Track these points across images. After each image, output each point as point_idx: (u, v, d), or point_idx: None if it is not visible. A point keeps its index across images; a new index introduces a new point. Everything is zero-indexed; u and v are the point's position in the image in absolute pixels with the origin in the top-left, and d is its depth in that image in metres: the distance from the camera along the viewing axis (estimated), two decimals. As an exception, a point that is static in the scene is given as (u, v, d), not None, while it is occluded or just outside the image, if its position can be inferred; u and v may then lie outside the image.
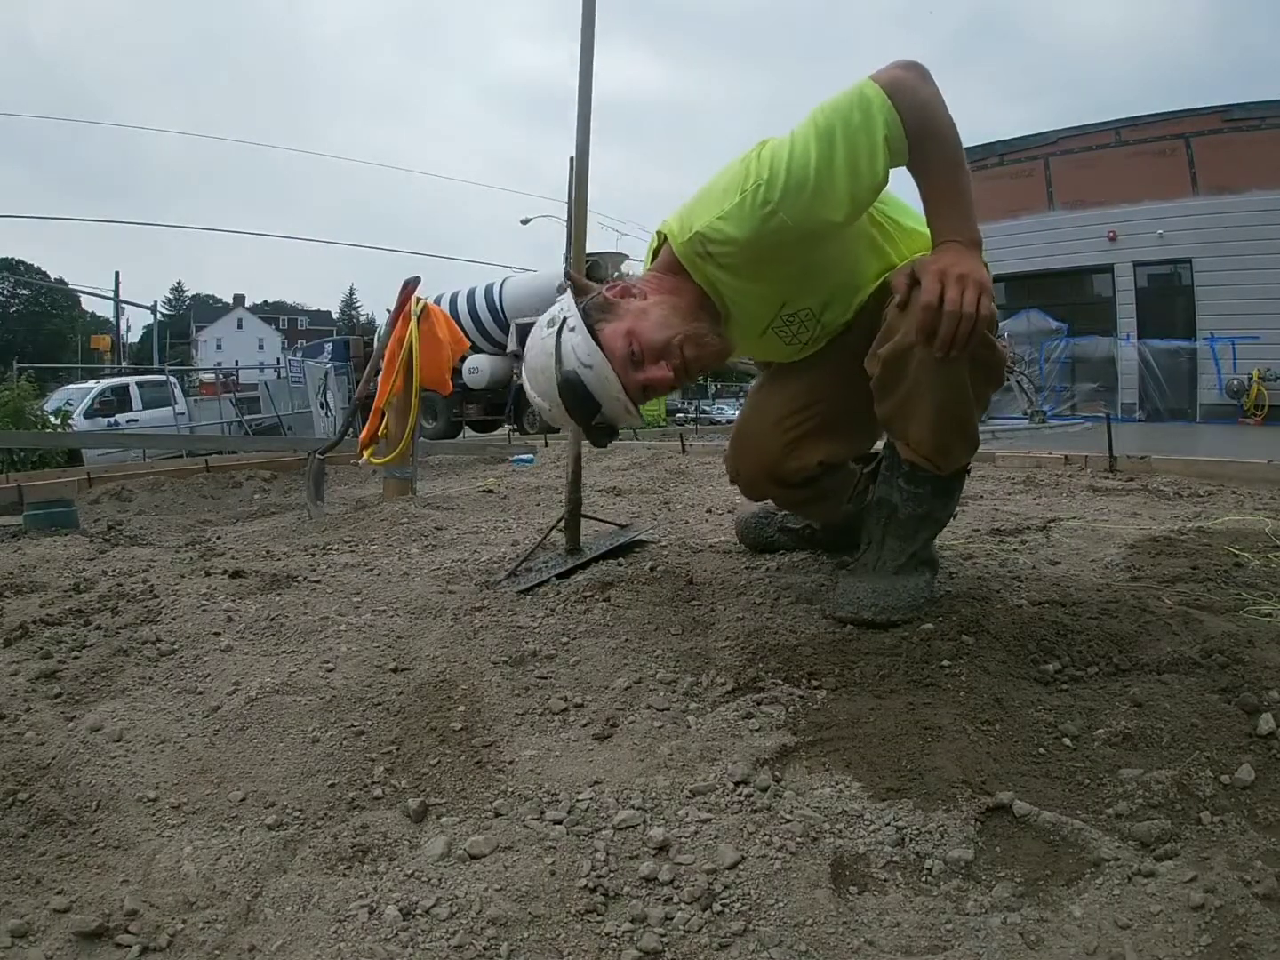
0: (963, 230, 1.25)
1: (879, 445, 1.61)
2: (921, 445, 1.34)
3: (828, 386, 1.52)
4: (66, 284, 51.58)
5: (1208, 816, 0.86)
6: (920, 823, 0.89)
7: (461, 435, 13.22)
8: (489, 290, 13.46)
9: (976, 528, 2.32)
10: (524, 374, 1.46)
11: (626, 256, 14.23)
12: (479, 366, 12.99)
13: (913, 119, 1.23)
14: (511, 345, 12.73)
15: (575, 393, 1.34)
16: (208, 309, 66.74)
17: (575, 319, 1.36)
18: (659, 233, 1.44)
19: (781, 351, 1.55)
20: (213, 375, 19.16)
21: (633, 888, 0.82)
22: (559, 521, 2.01)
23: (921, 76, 1.27)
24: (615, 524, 2.24)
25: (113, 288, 29.61)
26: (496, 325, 13.21)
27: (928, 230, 1.32)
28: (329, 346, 17.17)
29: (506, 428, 12.39)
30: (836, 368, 1.49)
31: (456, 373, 12.55)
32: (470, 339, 12.65)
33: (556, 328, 1.38)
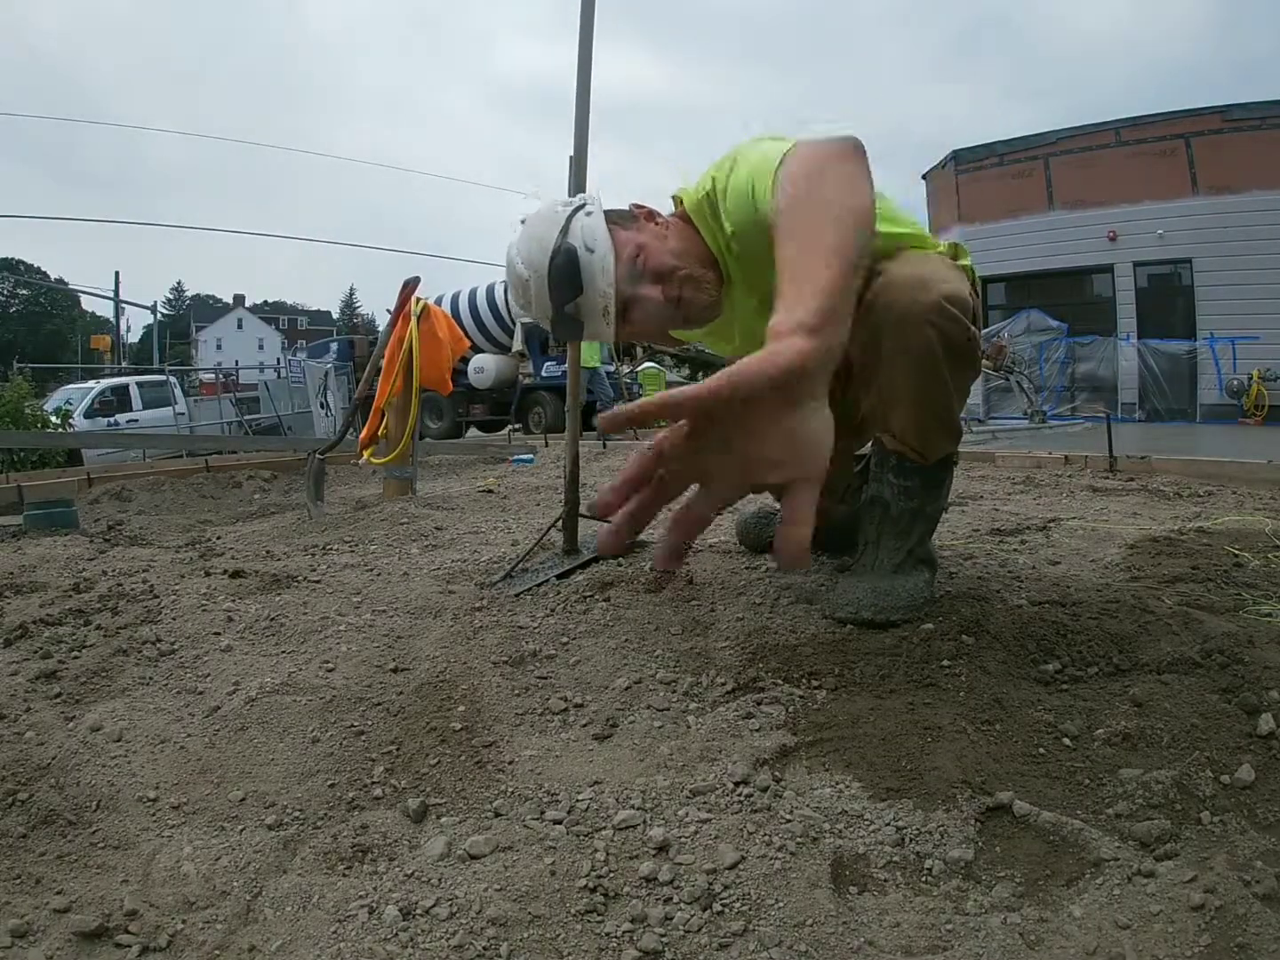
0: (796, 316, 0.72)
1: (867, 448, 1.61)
2: (904, 435, 1.36)
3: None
4: (66, 284, 51.66)
5: (1208, 816, 0.86)
6: (920, 823, 0.88)
7: (465, 435, 13.22)
8: (490, 290, 13.45)
9: (976, 528, 2.32)
10: (514, 242, 1.41)
11: None
12: (484, 366, 12.98)
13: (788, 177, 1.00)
14: (517, 345, 12.72)
15: (567, 267, 1.32)
16: (208, 309, 66.74)
17: (596, 209, 1.38)
18: (674, 198, 1.46)
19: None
20: (213, 375, 19.17)
21: (633, 888, 0.82)
22: (556, 521, 2.01)
23: (835, 153, 0.98)
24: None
25: (113, 288, 29.64)
26: (498, 325, 13.21)
27: (907, 228, 1.37)
28: (334, 346, 17.13)
29: (510, 428, 12.38)
30: None
31: (458, 373, 12.57)
32: (471, 339, 12.67)
33: (573, 208, 1.39)
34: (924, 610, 1.36)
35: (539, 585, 1.74)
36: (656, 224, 1.42)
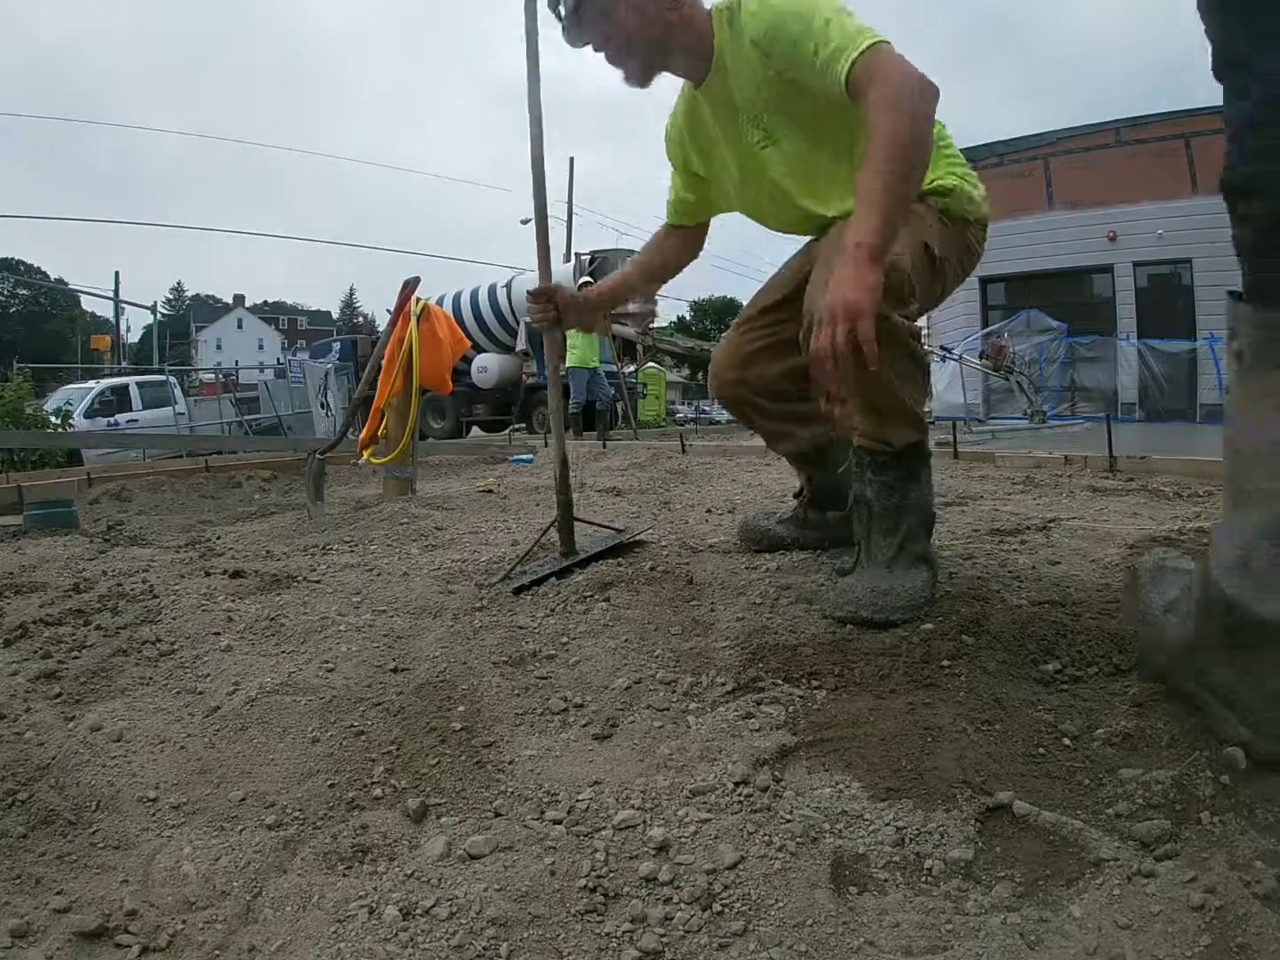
0: (867, 234, 1.22)
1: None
2: (867, 428, 1.44)
3: (798, 305, 1.54)
4: (66, 284, 51.67)
5: (1208, 816, 0.86)
6: (920, 823, 0.88)
7: (469, 435, 13.20)
8: (492, 290, 13.45)
9: (976, 528, 2.32)
10: None
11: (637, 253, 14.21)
12: (487, 366, 12.97)
13: (877, 78, 1.29)
14: (521, 344, 12.73)
15: None
16: (208, 309, 66.77)
17: None
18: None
19: (744, 144, 1.60)
20: (213, 375, 19.17)
21: (633, 888, 0.82)
22: (552, 524, 2.00)
23: (923, 84, 1.30)
24: (611, 528, 2.22)
25: (113, 288, 29.66)
26: (500, 325, 13.21)
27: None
28: (337, 345, 17.12)
29: (511, 429, 12.35)
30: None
31: (461, 372, 12.56)
32: (473, 339, 12.66)
33: None
34: (924, 610, 1.36)
35: (538, 583, 1.74)
36: None
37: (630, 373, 12.86)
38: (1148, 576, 1.10)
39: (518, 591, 1.71)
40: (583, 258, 13.37)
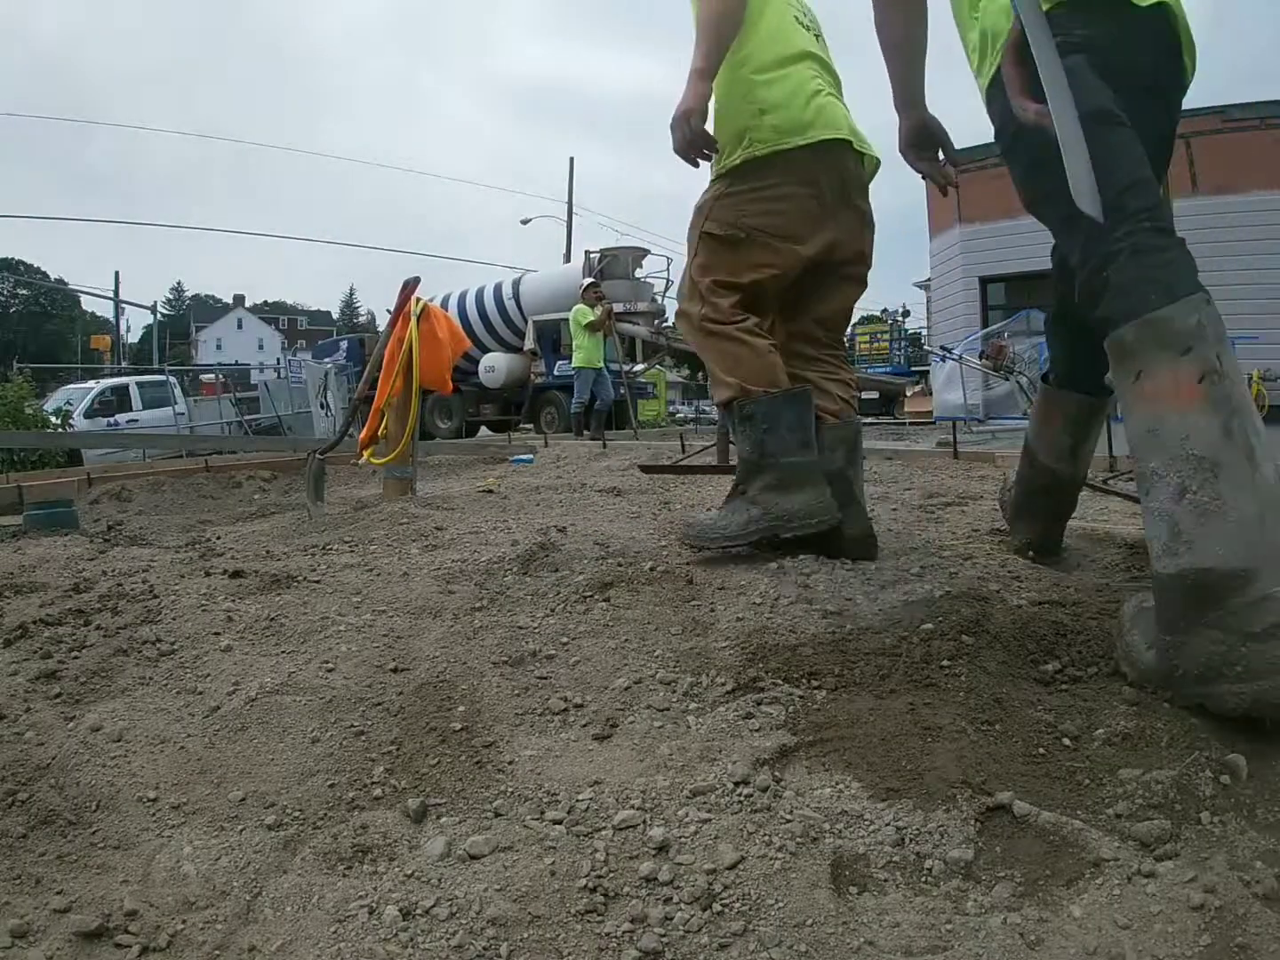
0: (693, 62, 1.70)
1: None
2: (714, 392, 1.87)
3: None
4: (66, 284, 51.68)
5: (1208, 816, 0.86)
6: (920, 823, 0.88)
7: (477, 436, 13.17)
8: (497, 289, 13.43)
9: (976, 528, 2.32)
10: None
11: (648, 251, 14.26)
12: (495, 365, 12.95)
13: None
14: (529, 343, 12.70)
15: None
16: (207, 309, 66.74)
17: None
18: None
19: None
20: (213, 375, 19.14)
21: (633, 888, 0.82)
22: (705, 449, 2.29)
23: None
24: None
25: (113, 288, 29.69)
26: (506, 324, 13.19)
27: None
28: (344, 344, 17.11)
29: (513, 429, 12.32)
30: None
31: (468, 372, 12.54)
32: (478, 339, 12.62)
33: None
34: (731, 541, 1.76)
35: (683, 471, 2.41)
36: None
37: (636, 373, 12.82)
38: (1129, 620, 1.19)
39: (646, 470, 2.12)
40: (592, 255, 13.36)
